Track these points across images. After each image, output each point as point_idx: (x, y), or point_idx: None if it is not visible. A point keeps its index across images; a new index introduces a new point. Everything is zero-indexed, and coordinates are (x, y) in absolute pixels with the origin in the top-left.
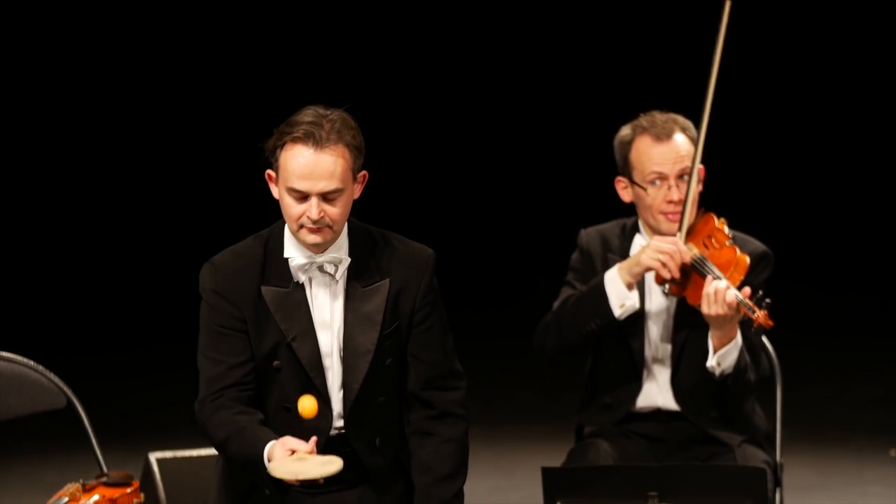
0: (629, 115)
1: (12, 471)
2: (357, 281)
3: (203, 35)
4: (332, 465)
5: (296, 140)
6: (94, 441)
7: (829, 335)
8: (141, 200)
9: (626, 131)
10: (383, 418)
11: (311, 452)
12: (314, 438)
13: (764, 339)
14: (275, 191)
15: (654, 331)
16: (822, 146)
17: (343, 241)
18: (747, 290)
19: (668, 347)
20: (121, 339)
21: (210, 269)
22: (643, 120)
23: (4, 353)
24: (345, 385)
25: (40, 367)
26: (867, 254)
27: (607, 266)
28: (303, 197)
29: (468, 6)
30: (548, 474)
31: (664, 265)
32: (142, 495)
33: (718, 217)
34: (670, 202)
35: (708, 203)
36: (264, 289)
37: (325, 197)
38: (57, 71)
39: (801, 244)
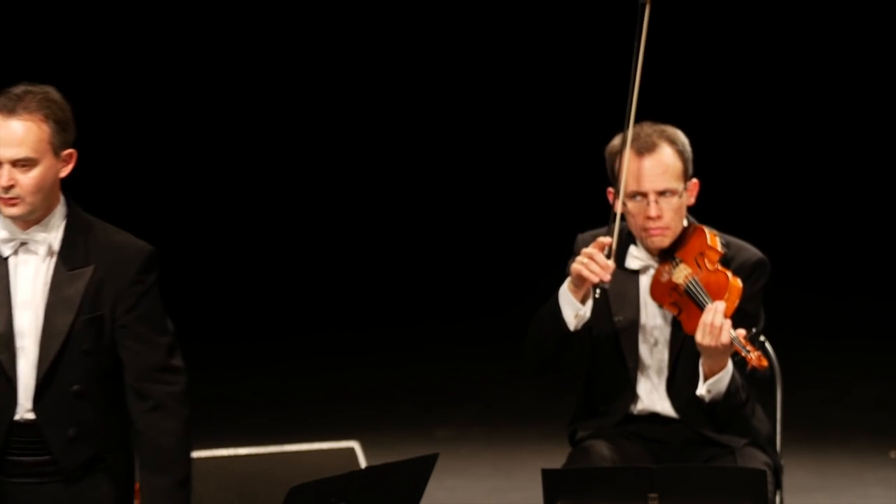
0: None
1: None
2: (64, 264)
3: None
4: None
5: None
6: None
7: (828, 337)
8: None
9: (615, 142)
10: (79, 410)
11: None
12: None
13: (764, 341)
14: None
15: (651, 339)
16: (820, 147)
17: (54, 222)
18: (742, 330)
19: (665, 356)
20: None
21: None
22: (631, 132)
23: None
24: (37, 367)
25: None
26: (867, 255)
27: None
28: None
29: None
30: (548, 476)
31: (588, 269)
32: None
33: (710, 230)
34: (648, 218)
35: (704, 209)
36: None
37: (17, 165)
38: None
39: (800, 246)
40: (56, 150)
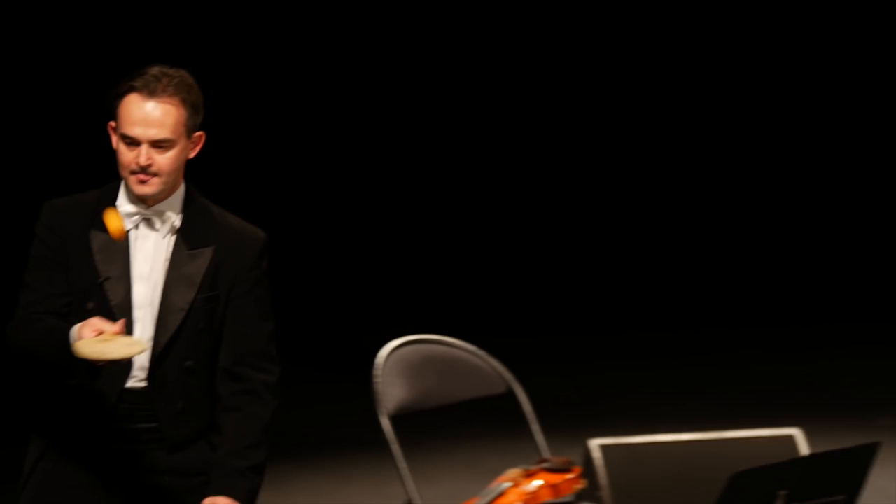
0: None
1: (454, 456)
2: (184, 243)
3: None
4: (135, 346)
5: (132, 89)
6: (534, 426)
7: None
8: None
9: None
10: (189, 384)
11: (117, 333)
12: (122, 321)
13: None
14: (114, 140)
15: None
16: None
17: (177, 202)
18: None
19: None
20: (564, 323)
21: (48, 207)
22: None
23: (446, 339)
24: (154, 340)
25: (481, 352)
26: None
27: None
28: (134, 144)
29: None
30: None
31: None
32: (584, 482)
33: None
34: None
35: None
36: (93, 232)
37: (155, 145)
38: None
39: None
40: (189, 133)
